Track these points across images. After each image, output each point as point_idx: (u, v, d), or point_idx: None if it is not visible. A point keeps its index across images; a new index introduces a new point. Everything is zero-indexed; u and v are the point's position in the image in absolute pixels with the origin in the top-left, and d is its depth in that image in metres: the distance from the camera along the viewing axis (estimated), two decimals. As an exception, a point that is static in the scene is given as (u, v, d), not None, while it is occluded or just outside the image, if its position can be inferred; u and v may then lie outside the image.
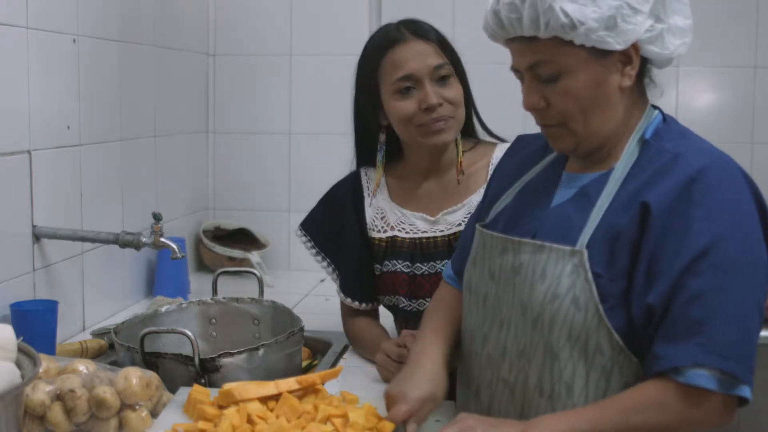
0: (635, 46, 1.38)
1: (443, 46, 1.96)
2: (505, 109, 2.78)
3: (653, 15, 1.37)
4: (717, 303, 1.27)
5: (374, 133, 2.06)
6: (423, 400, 1.45)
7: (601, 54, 1.37)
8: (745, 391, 1.28)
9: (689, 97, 3.09)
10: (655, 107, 1.48)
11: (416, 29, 1.96)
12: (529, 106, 1.45)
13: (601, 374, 1.36)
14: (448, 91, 1.94)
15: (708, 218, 1.30)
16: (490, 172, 2.01)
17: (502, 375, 1.46)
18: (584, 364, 1.36)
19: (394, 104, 1.95)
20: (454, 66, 1.97)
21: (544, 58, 1.39)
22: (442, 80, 1.94)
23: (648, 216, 1.32)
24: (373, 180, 2.11)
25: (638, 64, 1.39)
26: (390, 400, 1.46)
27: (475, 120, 2.07)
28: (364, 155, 2.11)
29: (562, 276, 1.37)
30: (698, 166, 1.33)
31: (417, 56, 1.93)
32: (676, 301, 1.28)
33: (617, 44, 1.35)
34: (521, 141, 1.69)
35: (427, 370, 1.51)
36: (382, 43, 1.97)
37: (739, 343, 1.28)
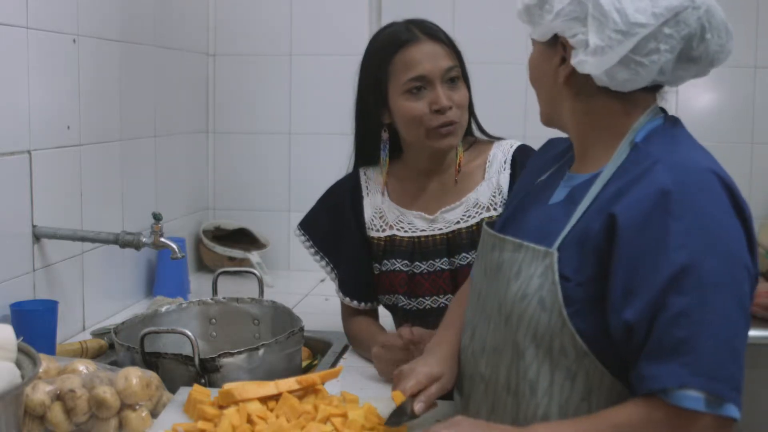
0: (569, 49, 1.38)
1: (452, 47, 1.96)
2: (505, 109, 2.79)
3: (582, 23, 1.35)
4: (702, 321, 1.24)
5: (375, 131, 2.05)
6: (431, 377, 1.49)
7: (547, 43, 1.43)
8: (732, 411, 1.25)
9: (689, 97, 3.09)
10: (661, 109, 1.47)
11: (427, 29, 1.96)
12: None
13: (566, 376, 1.35)
14: (456, 93, 1.94)
15: (687, 233, 1.26)
16: (488, 170, 2.03)
17: (479, 369, 1.47)
18: (549, 365, 1.36)
19: (404, 104, 1.95)
20: (462, 68, 1.97)
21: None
22: (451, 82, 1.94)
23: (615, 227, 1.30)
24: (371, 179, 2.11)
25: (570, 67, 1.39)
26: (399, 376, 1.51)
27: (472, 120, 2.08)
28: (364, 154, 2.11)
29: (533, 276, 1.37)
30: (672, 178, 1.29)
31: (430, 57, 1.93)
32: (660, 320, 1.25)
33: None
34: (550, 144, 1.69)
35: (441, 353, 1.56)
36: (394, 42, 1.96)
37: (725, 362, 1.25)
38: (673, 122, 1.45)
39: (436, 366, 1.52)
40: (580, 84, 1.40)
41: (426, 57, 1.93)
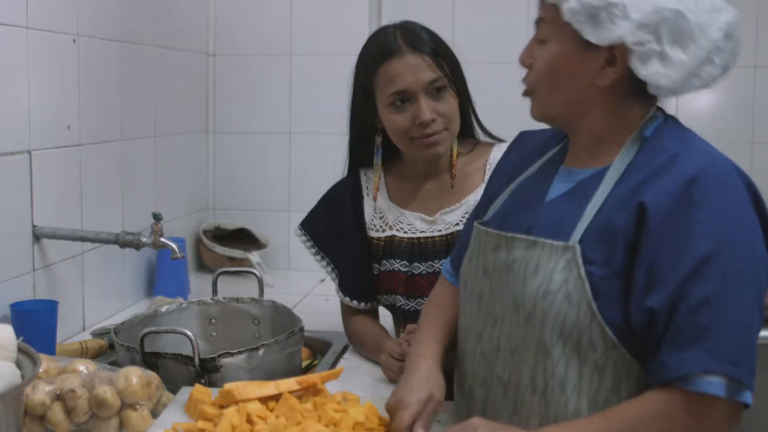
0: (623, 53, 1.36)
1: (438, 56, 1.96)
2: (505, 109, 2.78)
3: (652, 32, 1.33)
4: (723, 308, 1.27)
5: (370, 134, 2.06)
6: (422, 402, 1.45)
7: (585, 43, 1.37)
8: (748, 397, 1.28)
9: (689, 97, 3.06)
10: (658, 107, 1.47)
11: (412, 40, 1.95)
12: (520, 59, 1.49)
13: (594, 370, 1.35)
14: (442, 104, 1.94)
15: (709, 221, 1.29)
16: (487, 173, 2.03)
17: (496, 373, 1.46)
18: (577, 360, 1.36)
19: (389, 116, 1.96)
20: (450, 72, 1.96)
21: (544, 17, 1.44)
22: (436, 93, 1.94)
23: (645, 216, 1.32)
24: (371, 180, 2.11)
25: (621, 71, 1.37)
26: (392, 412, 1.46)
27: (474, 122, 2.08)
28: (359, 156, 2.12)
29: (554, 272, 1.36)
30: (697, 167, 1.32)
31: (412, 71, 1.92)
32: (682, 307, 1.27)
33: (592, 37, 1.36)
34: (523, 137, 1.68)
35: (421, 374, 1.51)
36: (379, 54, 1.96)
37: (744, 348, 1.28)
38: (674, 119, 1.47)
39: (422, 389, 1.47)
40: (624, 89, 1.39)
41: (408, 70, 1.92)
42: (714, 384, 1.26)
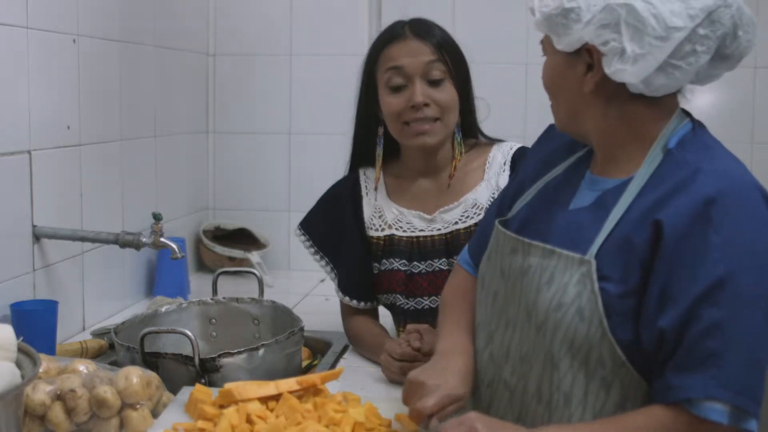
0: (598, 56, 1.35)
1: (442, 48, 1.96)
2: (505, 109, 2.79)
3: (615, 30, 1.32)
4: (733, 335, 1.24)
5: (373, 128, 2.07)
6: (452, 398, 1.41)
7: (566, 53, 1.39)
8: (753, 425, 1.26)
9: (689, 97, 3.08)
10: (687, 113, 1.45)
11: (419, 29, 1.98)
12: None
13: (601, 386, 1.34)
14: (439, 92, 1.95)
15: (727, 245, 1.26)
16: (487, 172, 2.03)
17: (503, 376, 1.45)
18: (584, 376, 1.34)
19: (385, 99, 1.98)
20: (454, 70, 1.97)
21: (543, 38, 1.46)
22: (434, 81, 1.95)
23: (661, 235, 1.29)
24: (371, 180, 2.11)
25: (599, 74, 1.36)
26: (419, 388, 1.42)
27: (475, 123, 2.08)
28: (361, 153, 2.12)
29: (569, 284, 1.35)
30: (718, 187, 1.28)
31: (411, 53, 1.95)
32: (691, 331, 1.25)
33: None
34: (554, 130, 1.62)
35: (460, 370, 1.48)
36: (383, 39, 2.00)
37: (752, 377, 1.26)
38: (701, 127, 1.44)
39: (459, 386, 1.43)
40: (609, 91, 1.37)
41: (407, 52, 1.96)
42: (717, 411, 1.24)
